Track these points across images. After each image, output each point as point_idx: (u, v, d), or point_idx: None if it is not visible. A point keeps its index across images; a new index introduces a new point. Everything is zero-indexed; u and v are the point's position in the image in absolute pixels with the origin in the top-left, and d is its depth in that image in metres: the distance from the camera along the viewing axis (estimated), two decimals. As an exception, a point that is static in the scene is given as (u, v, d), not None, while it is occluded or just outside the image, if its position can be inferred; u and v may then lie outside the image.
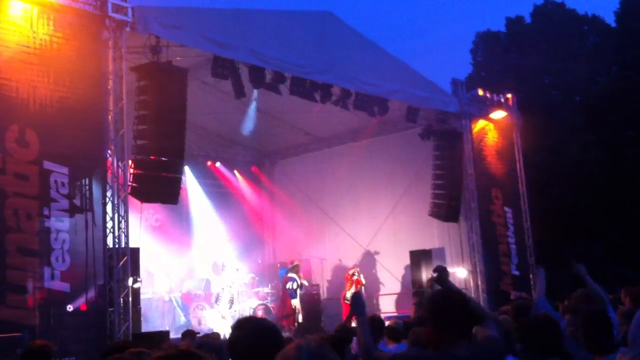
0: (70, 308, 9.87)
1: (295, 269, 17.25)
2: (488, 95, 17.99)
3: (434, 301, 3.57)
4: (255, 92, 14.71)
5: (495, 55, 31.53)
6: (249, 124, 16.68)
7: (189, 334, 9.53)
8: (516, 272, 17.77)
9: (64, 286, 9.82)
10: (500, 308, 10.15)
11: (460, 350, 3.35)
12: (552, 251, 20.96)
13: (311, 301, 17.45)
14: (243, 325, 3.13)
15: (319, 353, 2.58)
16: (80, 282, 10.02)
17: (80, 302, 10.00)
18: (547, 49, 28.52)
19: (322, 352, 2.60)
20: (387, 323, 7.71)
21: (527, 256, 18.20)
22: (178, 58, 11.96)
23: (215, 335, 9.53)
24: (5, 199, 9.38)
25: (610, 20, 30.80)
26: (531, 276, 17.24)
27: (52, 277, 9.69)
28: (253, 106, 15.74)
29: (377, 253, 18.83)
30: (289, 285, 16.80)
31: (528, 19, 32.25)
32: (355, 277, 17.36)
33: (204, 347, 4.52)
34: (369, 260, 18.93)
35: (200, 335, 9.73)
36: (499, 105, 18.10)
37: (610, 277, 19.80)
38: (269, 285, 18.04)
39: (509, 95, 18.54)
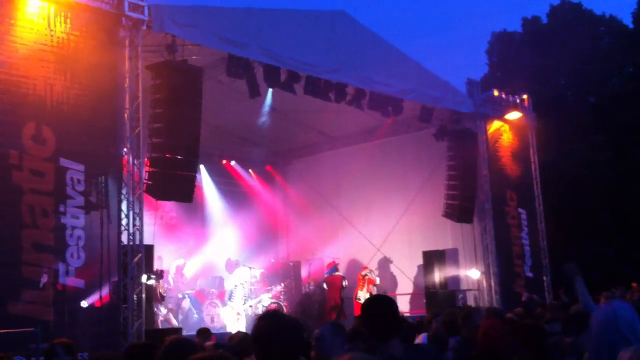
0: (84, 304, 9.95)
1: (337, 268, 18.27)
2: (503, 96, 17.94)
3: (364, 305, 4.03)
4: (269, 92, 14.76)
5: (510, 56, 31.39)
6: (263, 119, 16.69)
7: (203, 332, 9.54)
8: (530, 274, 17.72)
9: (79, 282, 9.89)
10: (514, 310, 10.18)
11: (394, 348, 3.75)
12: (559, 252, 20.89)
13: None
14: (271, 317, 3.18)
15: None
16: (94, 278, 10.08)
17: (95, 298, 10.07)
18: (562, 49, 28.38)
19: None
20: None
21: (542, 258, 18.14)
22: (193, 57, 12.03)
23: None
24: (21, 196, 9.47)
25: (628, 21, 30.62)
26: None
27: (67, 273, 9.76)
28: (268, 104, 15.76)
29: (390, 253, 18.84)
30: (344, 283, 17.74)
31: (544, 19, 32.10)
32: (367, 277, 17.46)
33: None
34: (381, 260, 18.94)
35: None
36: (515, 106, 18.04)
37: (619, 279, 19.69)
38: (282, 283, 18.09)
39: (525, 96, 18.47)
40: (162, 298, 14.32)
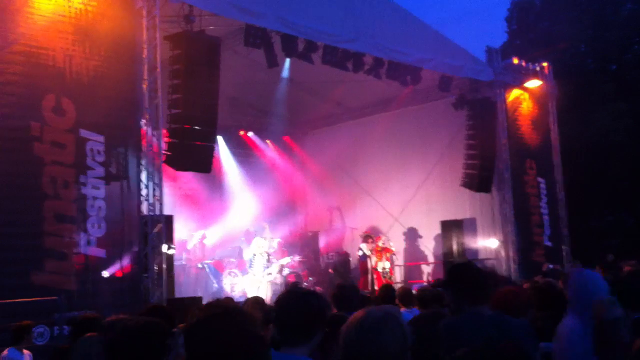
0: (106, 274, 10.08)
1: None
2: (523, 63, 17.70)
3: (453, 271, 3.92)
4: (287, 62, 14.68)
5: (530, 23, 30.92)
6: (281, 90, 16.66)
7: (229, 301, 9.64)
8: (549, 243, 17.65)
9: (100, 252, 10.02)
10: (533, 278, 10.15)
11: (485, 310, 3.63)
12: (580, 221, 20.70)
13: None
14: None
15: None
16: (115, 248, 10.21)
17: (116, 268, 10.20)
18: (582, 16, 27.87)
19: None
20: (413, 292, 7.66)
21: (561, 227, 18.05)
22: (211, 27, 11.97)
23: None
24: (42, 167, 9.56)
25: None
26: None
27: (89, 243, 9.89)
28: (285, 74, 15.69)
29: (408, 223, 18.83)
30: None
31: (564, -14, 31.49)
32: (384, 246, 17.48)
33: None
34: (400, 230, 18.95)
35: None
36: (534, 74, 17.81)
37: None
38: (300, 254, 18.17)
39: (545, 64, 18.21)
40: None
